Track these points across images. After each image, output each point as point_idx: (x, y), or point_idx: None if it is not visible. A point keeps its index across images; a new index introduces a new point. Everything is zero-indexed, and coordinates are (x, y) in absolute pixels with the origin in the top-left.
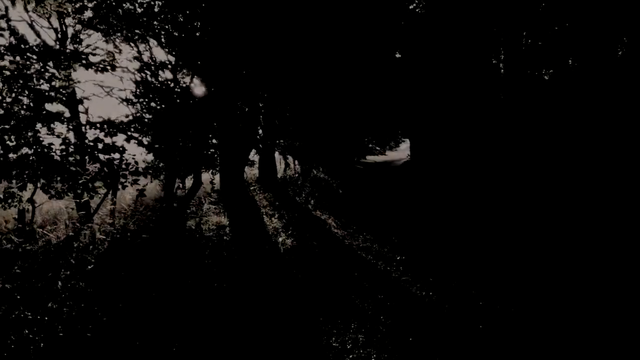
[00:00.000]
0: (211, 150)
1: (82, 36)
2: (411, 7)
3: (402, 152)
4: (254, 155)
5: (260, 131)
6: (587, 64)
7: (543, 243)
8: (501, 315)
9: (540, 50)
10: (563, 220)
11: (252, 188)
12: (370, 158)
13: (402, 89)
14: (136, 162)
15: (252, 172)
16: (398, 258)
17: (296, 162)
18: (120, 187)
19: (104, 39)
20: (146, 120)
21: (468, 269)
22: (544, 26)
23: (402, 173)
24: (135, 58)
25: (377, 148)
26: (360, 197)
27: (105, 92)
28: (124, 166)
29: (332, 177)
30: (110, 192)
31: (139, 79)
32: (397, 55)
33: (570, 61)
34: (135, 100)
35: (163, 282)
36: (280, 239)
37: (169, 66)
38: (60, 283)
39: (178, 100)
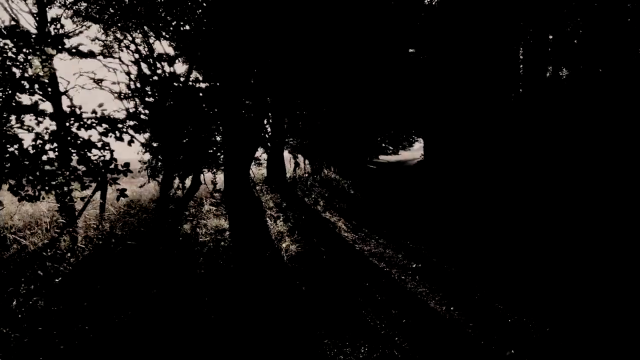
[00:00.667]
0: (214, 148)
1: (74, 26)
2: (427, 1)
3: (415, 151)
4: (262, 154)
5: (269, 129)
6: (610, 63)
7: (573, 247)
8: (536, 339)
9: (568, 47)
10: (593, 222)
11: (258, 188)
12: (384, 158)
13: (416, 87)
14: (114, 160)
15: (260, 172)
16: (414, 265)
17: (306, 161)
18: (104, 187)
19: (101, 30)
20: (143, 116)
21: (491, 277)
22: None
23: (415, 173)
24: (132, 49)
25: (390, 148)
26: (373, 198)
27: (96, 84)
28: (101, 164)
29: (343, 177)
30: (99, 193)
31: (134, 71)
32: (411, 51)
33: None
34: (131, 94)
35: (144, 297)
36: (284, 245)
37: (168, 59)
38: (15, 301)
39: (177, 95)
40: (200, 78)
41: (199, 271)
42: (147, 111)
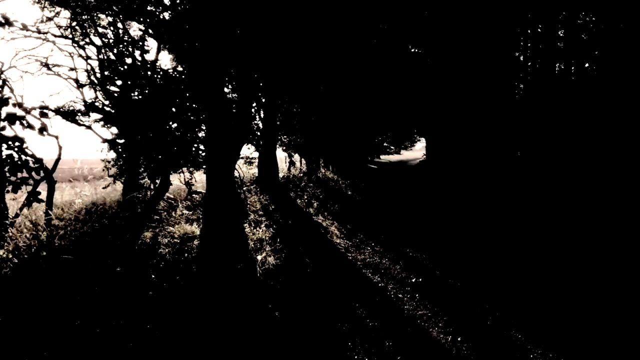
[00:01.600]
0: (192, 144)
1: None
2: None
3: (417, 151)
4: (253, 152)
5: (260, 125)
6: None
7: (593, 256)
8: None
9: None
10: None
11: (245, 189)
12: (385, 158)
13: (418, 85)
14: (26, 154)
15: (251, 172)
16: (413, 280)
17: (303, 160)
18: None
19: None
20: (106, 108)
21: (503, 294)
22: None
23: (417, 173)
24: (96, 31)
25: (392, 147)
26: (372, 199)
27: (46, 69)
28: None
29: (342, 177)
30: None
31: (92, 55)
32: (413, 50)
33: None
34: (91, 83)
35: (62, 335)
36: (259, 257)
37: (139, 44)
38: None
39: (147, 85)
40: (179, 68)
41: (150, 293)
42: (108, 102)
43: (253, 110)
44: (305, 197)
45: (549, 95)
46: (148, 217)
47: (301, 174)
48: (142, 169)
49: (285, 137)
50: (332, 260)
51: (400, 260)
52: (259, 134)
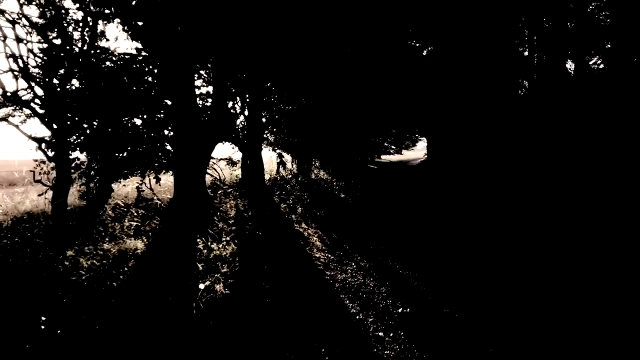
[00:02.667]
0: (157, 144)
1: None
2: None
3: (419, 151)
4: (235, 152)
5: (244, 122)
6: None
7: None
8: None
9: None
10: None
11: (223, 192)
12: (386, 158)
13: (419, 83)
14: None
15: (235, 173)
16: (400, 310)
17: (295, 161)
18: None
19: None
20: (37, 101)
21: (514, 329)
22: None
23: (417, 174)
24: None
25: (393, 147)
26: (366, 203)
27: None
28: None
29: (337, 178)
30: None
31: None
32: (415, 45)
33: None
34: (19, 70)
35: None
36: (203, 285)
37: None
38: None
39: (97, 74)
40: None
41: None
42: (42, 92)
43: (237, 107)
44: (290, 201)
45: (556, 93)
46: (83, 230)
47: (290, 176)
48: (82, 172)
49: (274, 135)
50: (304, 283)
51: (388, 280)
52: (242, 132)
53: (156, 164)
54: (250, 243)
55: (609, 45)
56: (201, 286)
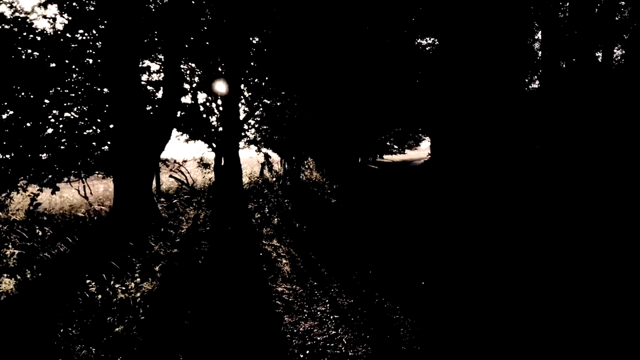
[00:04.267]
0: (83, 141)
1: None
2: None
3: (422, 151)
4: (207, 152)
5: (214, 119)
6: None
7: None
8: None
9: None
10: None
11: (183, 200)
12: (388, 157)
13: (423, 80)
14: None
15: (208, 176)
16: None
17: (285, 161)
18: None
19: None
20: None
21: None
22: None
23: (420, 175)
24: None
25: (396, 147)
26: (360, 209)
27: None
28: None
29: (332, 180)
30: None
31: None
32: (420, 41)
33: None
34: None
35: None
36: None
37: None
38: None
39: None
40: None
41: None
42: None
43: (209, 102)
44: (267, 209)
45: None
46: None
47: (274, 178)
48: None
49: (258, 132)
50: (245, 343)
51: (369, 333)
52: (212, 126)
53: (79, 166)
54: (188, 274)
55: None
56: None
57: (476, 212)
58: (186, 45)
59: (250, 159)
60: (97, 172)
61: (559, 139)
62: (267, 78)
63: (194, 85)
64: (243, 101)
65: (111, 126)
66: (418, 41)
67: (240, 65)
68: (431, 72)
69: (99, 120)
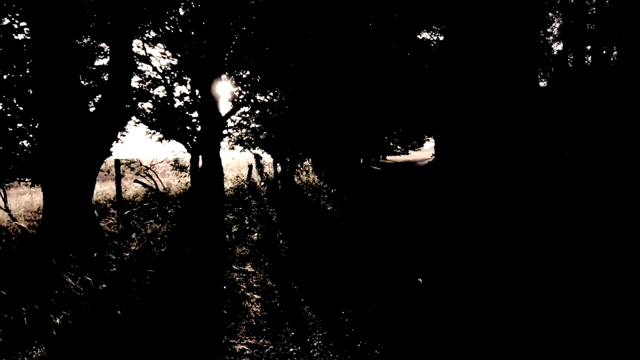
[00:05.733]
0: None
1: None
2: None
3: (426, 151)
4: (183, 152)
5: (195, 117)
6: None
7: None
8: None
9: None
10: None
11: (142, 210)
12: (391, 158)
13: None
14: None
15: (184, 180)
16: None
17: (277, 163)
18: None
19: None
20: None
21: None
22: None
23: (423, 177)
24: None
25: (399, 147)
26: (358, 218)
27: None
28: None
29: (330, 183)
30: None
31: None
32: (422, 37)
33: None
34: None
35: None
36: None
37: None
38: None
39: None
40: None
41: None
42: None
43: (185, 96)
44: (247, 221)
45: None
46: None
47: (262, 183)
48: None
49: (245, 129)
50: None
51: None
52: (188, 124)
53: None
54: (105, 329)
55: None
56: None
57: (485, 217)
58: (142, 16)
59: (235, 160)
60: (23, 178)
61: (584, 142)
62: (258, 71)
63: (165, 74)
64: (229, 95)
65: (34, 120)
66: (423, 35)
67: (221, 50)
68: (436, 68)
69: (21, 109)
